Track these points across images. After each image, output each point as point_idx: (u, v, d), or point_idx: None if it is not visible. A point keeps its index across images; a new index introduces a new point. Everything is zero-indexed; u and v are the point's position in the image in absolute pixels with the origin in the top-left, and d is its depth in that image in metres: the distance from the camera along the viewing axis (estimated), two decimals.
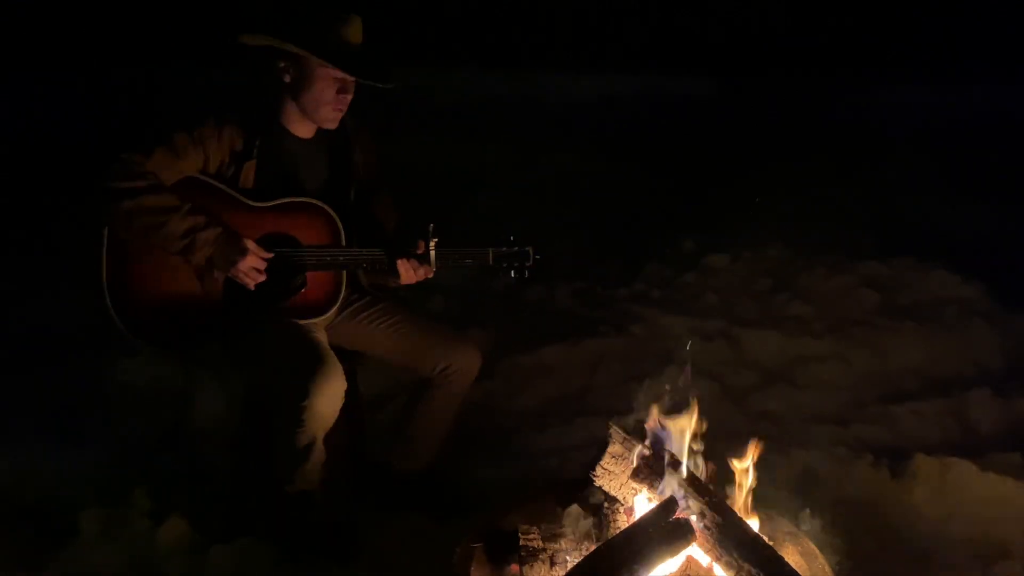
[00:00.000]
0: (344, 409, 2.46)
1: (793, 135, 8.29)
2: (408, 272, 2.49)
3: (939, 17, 9.95)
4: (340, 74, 2.41)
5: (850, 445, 3.18)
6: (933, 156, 7.61)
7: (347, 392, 2.44)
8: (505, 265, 2.56)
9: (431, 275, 2.53)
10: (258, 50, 2.40)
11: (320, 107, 2.46)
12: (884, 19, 10.04)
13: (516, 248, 2.56)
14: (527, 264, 2.58)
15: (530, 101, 10.36)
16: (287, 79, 2.45)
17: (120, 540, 2.58)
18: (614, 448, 2.02)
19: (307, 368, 2.34)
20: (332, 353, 2.44)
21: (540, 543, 2.07)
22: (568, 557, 2.03)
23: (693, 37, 10.67)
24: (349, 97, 2.47)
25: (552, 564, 2.02)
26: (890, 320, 4.23)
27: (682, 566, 1.88)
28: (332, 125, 2.52)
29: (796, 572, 1.83)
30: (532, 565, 2.01)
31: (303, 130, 2.55)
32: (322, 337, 2.53)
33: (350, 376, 2.60)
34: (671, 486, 1.93)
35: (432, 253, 2.48)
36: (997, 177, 6.92)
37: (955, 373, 3.84)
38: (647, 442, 2.06)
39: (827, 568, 2.02)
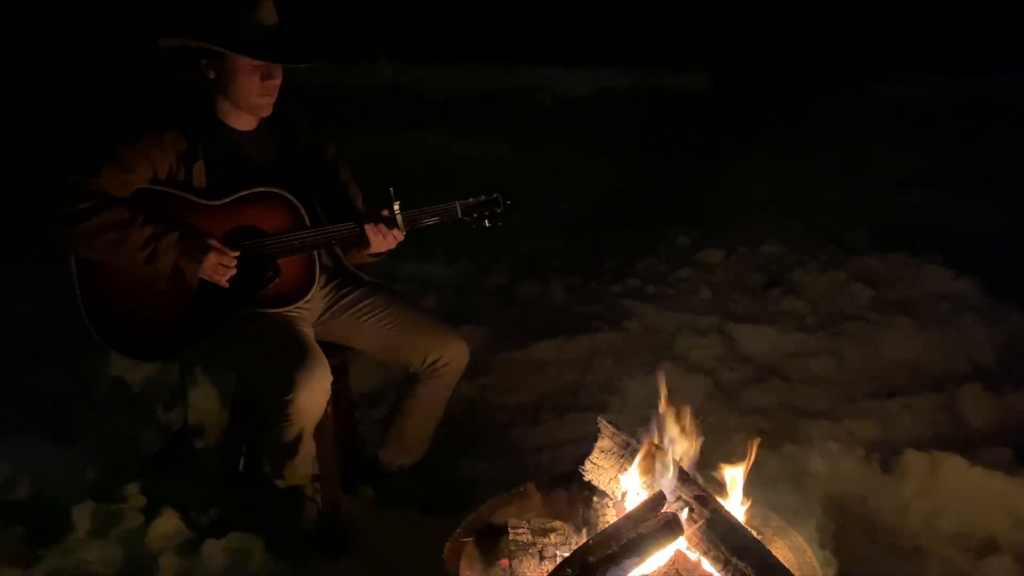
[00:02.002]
0: (335, 404, 2.47)
1: (786, 130, 8.29)
2: (378, 238, 2.46)
3: (933, 9, 9.94)
4: (259, 61, 2.39)
5: (841, 440, 3.18)
6: (927, 150, 7.61)
7: (338, 387, 2.44)
8: (476, 215, 2.51)
9: (401, 239, 2.50)
10: (184, 51, 2.38)
11: (248, 97, 2.43)
12: (878, 11, 10.03)
13: (483, 197, 2.52)
14: (498, 211, 2.52)
15: (525, 95, 10.34)
16: (212, 75, 2.42)
17: (112, 535, 2.59)
18: (603, 443, 2.02)
19: (291, 361, 2.34)
20: (316, 346, 2.43)
21: (530, 537, 2.08)
22: (557, 551, 2.04)
23: (688, 31, 10.65)
24: (276, 82, 2.44)
25: (541, 558, 2.03)
26: (883, 315, 4.23)
27: (670, 560, 1.89)
28: (266, 112, 2.50)
29: (784, 566, 1.84)
30: (521, 559, 2.02)
31: (243, 122, 2.52)
32: (307, 331, 2.52)
33: (340, 371, 2.61)
34: (660, 480, 1.94)
35: (399, 216, 2.46)
36: (991, 172, 6.91)
37: (947, 368, 3.84)
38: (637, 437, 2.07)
39: (816, 562, 2.02)
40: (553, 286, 4.74)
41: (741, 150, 7.70)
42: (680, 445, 2.11)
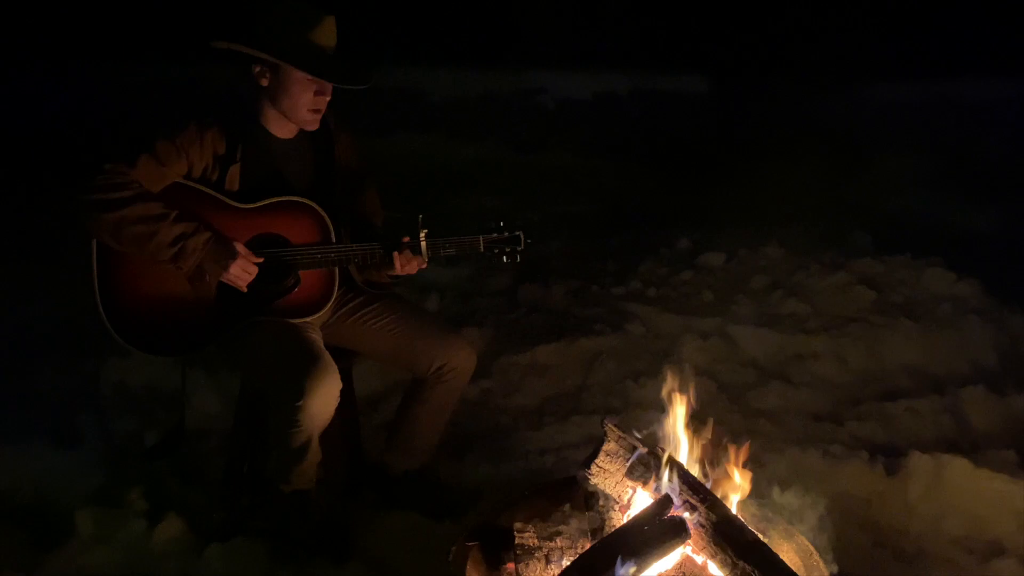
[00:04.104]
0: (340, 408, 2.46)
1: (787, 133, 8.30)
2: (401, 264, 2.48)
3: (931, 12, 9.96)
4: (315, 77, 2.39)
5: (845, 442, 3.18)
6: (928, 153, 7.62)
7: (343, 391, 2.44)
8: (496, 251, 2.56)
9: (424, 266, 2.52)
10: (234, 53, 2.38)
11: (298, 110, 2.44)
12: (876, 15, 10.05)
13: (506, 233, 2.55)
14: (518, 248, 2.56)
15: (525, 98, 10.36)
16: (264, 83, 2.43)
17: (116, 540, 2.58)
18: (609, 446, 2.02)
19: (302, 368, 2.34)
20: (327, 352, 2.43)
21: (535, 541, 2.07)
22: (564, 556, 2.03)
23: (688, 35, 10.67)
24: (327, 98, 2.45)
25: (547, 562, 2.02)
26: (885, 317, 4.23)
27: (677, 564, 1.89)
28: (312, 126, 2.51)
29: (791, 569, 1.84)
30: (527, 563, 2.01)
31: (284, 131, 2.53)
32: (317, 337, 2.52)
33: (346, 375, 2.61)
34: (666, 484, 1.93)
35: (423, 244, 2.48)
36: (992, 174, 6.93)
37: (950, 370, 3.84)
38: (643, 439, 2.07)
39: (822, 565, 2.02)
40: (555, 289, 4.73)
41: (741, 153, 7.72)
42: (687, 449, 2.11)
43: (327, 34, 2.40)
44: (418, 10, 11.44)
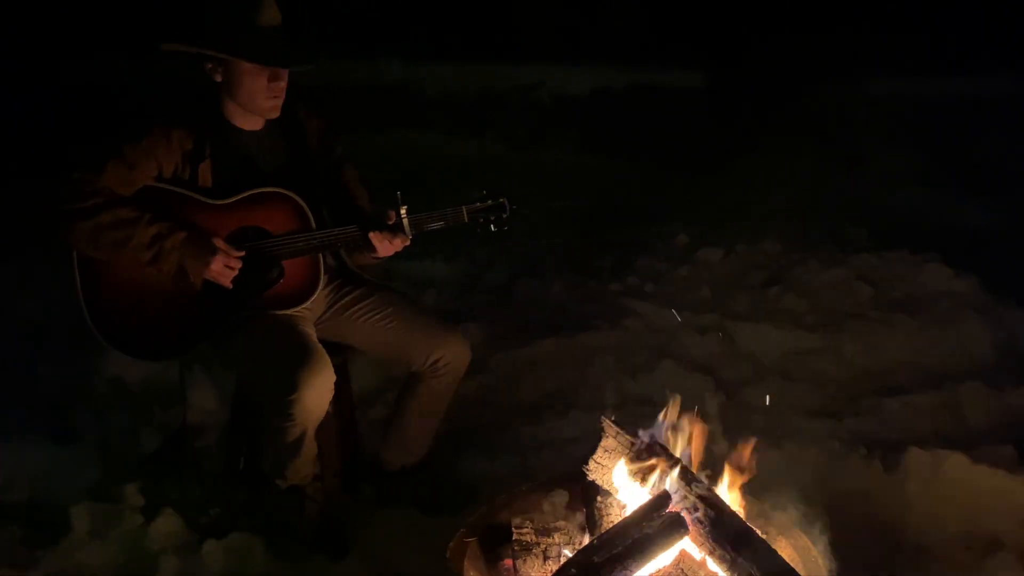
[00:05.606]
0: (335, 403, 2.46)
1: (785, 128, 8.29)
2: (384, 244, 2.45)
3: (929, 8, 9.94)
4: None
5: (843, 438, 3.18)
6: (926, 149, 7.62)
7: (338, 386, 2.43)
8: (482, 220, 2.52)
9: (408, 243, 2.49)
10: (186, 53, 2.37)
11: (255, 99, 2.42)
12: (873, 10, 10.03)
13: (490, 202, 2.52)
14: (504, 216, 2.53)
15: (522, 94, 10.34)
16: (218, 78, 2.42)
17: (112, 536, 2.57)
18: (607, 442, 2.01)
19: (295, 361, 2.33)
20: (320, 346, 2.42)
21: (533, 537, 2.07)
22: (562, 551, 2.03)
23: (685, 29, 10.64)
24: (283, 84, 2.43)
25: (545, 558, 2.02)
26: (883, 313, 4.23)
27: (675, 560, 1.88)
28: (274, 114, 2.49)
29: (789, 565, 1.84)
30: (525, 559, 2.01)
31: (250, 123, 2.51)
32: (310, 330, 2.51)
33: (342, 371, 2.60)
34: (664, 480, 1.93)
35: (405, 220, 2.45)
36: (989, 170, 6.93)
37: (948, 366, 3.84)
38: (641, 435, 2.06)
39: (820, 561, 2.02)
40: (552, 284, 4.73)
41: (739, 148, 7.70)
42: (684, 444, 2.10)
43: (268, 15, 2.37)
44: (414, 5, 11.41)
